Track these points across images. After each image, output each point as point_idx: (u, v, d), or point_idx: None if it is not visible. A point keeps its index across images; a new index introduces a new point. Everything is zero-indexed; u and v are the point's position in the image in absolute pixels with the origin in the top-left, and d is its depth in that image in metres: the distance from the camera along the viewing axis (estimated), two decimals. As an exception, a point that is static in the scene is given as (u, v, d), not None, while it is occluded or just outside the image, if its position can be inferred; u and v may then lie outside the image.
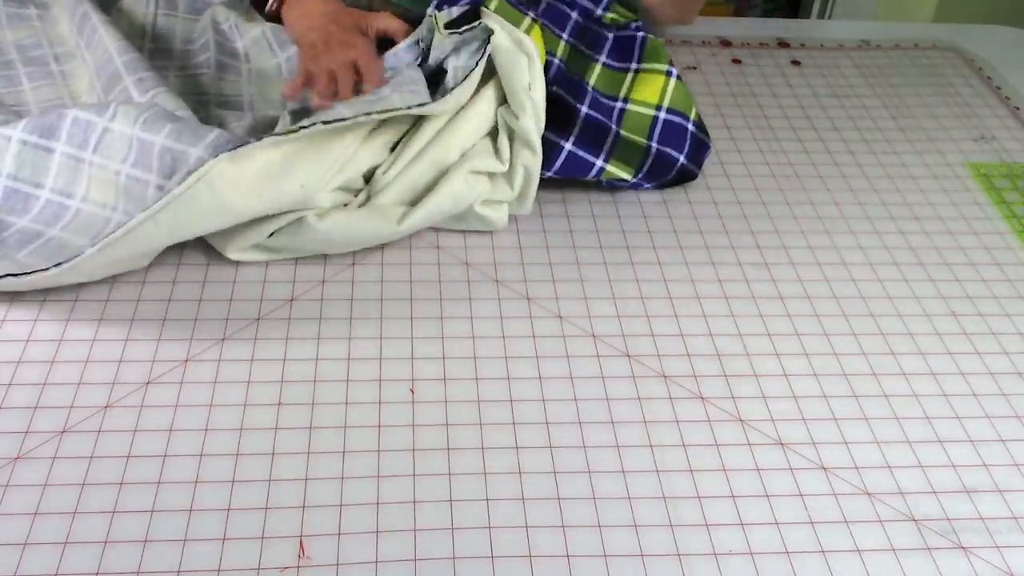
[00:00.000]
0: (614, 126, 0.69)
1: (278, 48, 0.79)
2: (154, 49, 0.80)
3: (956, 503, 0.51)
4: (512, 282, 0.64)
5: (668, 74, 0.71)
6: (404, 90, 0.63)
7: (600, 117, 0.68)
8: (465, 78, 0.64)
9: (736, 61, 0.91)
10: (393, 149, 0.65)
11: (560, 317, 0.61)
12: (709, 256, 0.67)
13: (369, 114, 0.60)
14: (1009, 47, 0.96)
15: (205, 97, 0.75)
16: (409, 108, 0.61)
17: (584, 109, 0.67)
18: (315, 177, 0.59)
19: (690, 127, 0.71)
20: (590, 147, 0.68)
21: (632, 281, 0.64)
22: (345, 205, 0.63)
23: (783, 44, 0.94)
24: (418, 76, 0.67)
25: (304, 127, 0.57)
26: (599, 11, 0.74)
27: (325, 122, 0.58)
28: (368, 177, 0.65)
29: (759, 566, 0.48)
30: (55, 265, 0.56)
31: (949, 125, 0.83)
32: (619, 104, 0.70)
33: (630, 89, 0.71)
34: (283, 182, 0.58)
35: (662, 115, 0.70)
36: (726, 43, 0.94)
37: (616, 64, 0.72)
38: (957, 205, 0.74)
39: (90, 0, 0.79)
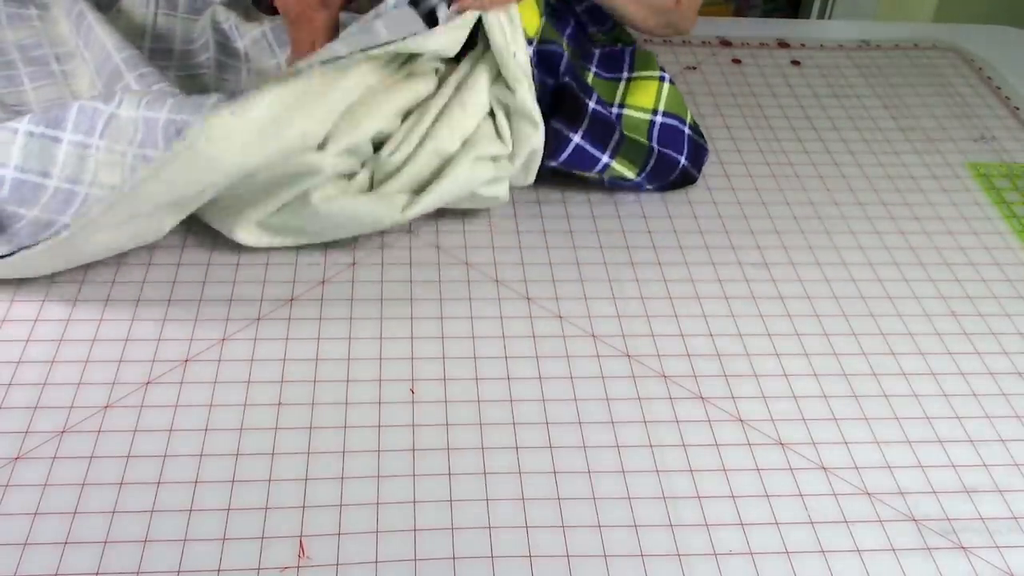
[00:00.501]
0: (617, 125, 0.69)
1: (278, 48, 0.79)
2: (154, 49, 0.80)
3: (956, 503, 0.51)
4: (512, 282, 0.64)
5: (661, 79, 0.71)
6: (398, 29, 0.61)
7: (606, 113, 0.68)
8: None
9: (736, 61, 0.91)
10: (404, 118, 0.64)
11: (560, 317, 0.61)
12: (709, 256, 0.67)
13: (365, 50, 0.58)
14: (1009, 47, 0.96)
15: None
16: (404, 40, 0.59)
17: (592, 104, 0.67)
18: (316, 124, 0.58)
19: (687, 131, 0.71)
20: (597, 142, 0.67)
21: (632, 281, 0.64)
22: (350, 178, 0.63)
23: (783, 44, 0.95)
24: (413, 15, 0.64)
25: (300, 69, 0.56)
26: (593, 27, 0.73)
27: (323, 62, 0.57)
28: (377, 145, 0.63)
29: (759, 566, 0.48)
30: (57, 234, 0.55)
31: (949, 125, 0.83)
32: (615, 110, 0.70)
33: (624, 95, 0.71)
34: (283, 131, 0.57)
35: (659, 119, 0.70)
36: (726, 43, 0.94)
37: (606, 74, 0.72)
38: (957, 205, 0.74)
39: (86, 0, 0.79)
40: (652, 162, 0.69)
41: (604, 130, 0.67)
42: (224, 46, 0.80)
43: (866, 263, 0.67)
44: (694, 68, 0.89)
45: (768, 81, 0.88)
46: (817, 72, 0.90)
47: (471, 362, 0.57)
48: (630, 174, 0.69)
